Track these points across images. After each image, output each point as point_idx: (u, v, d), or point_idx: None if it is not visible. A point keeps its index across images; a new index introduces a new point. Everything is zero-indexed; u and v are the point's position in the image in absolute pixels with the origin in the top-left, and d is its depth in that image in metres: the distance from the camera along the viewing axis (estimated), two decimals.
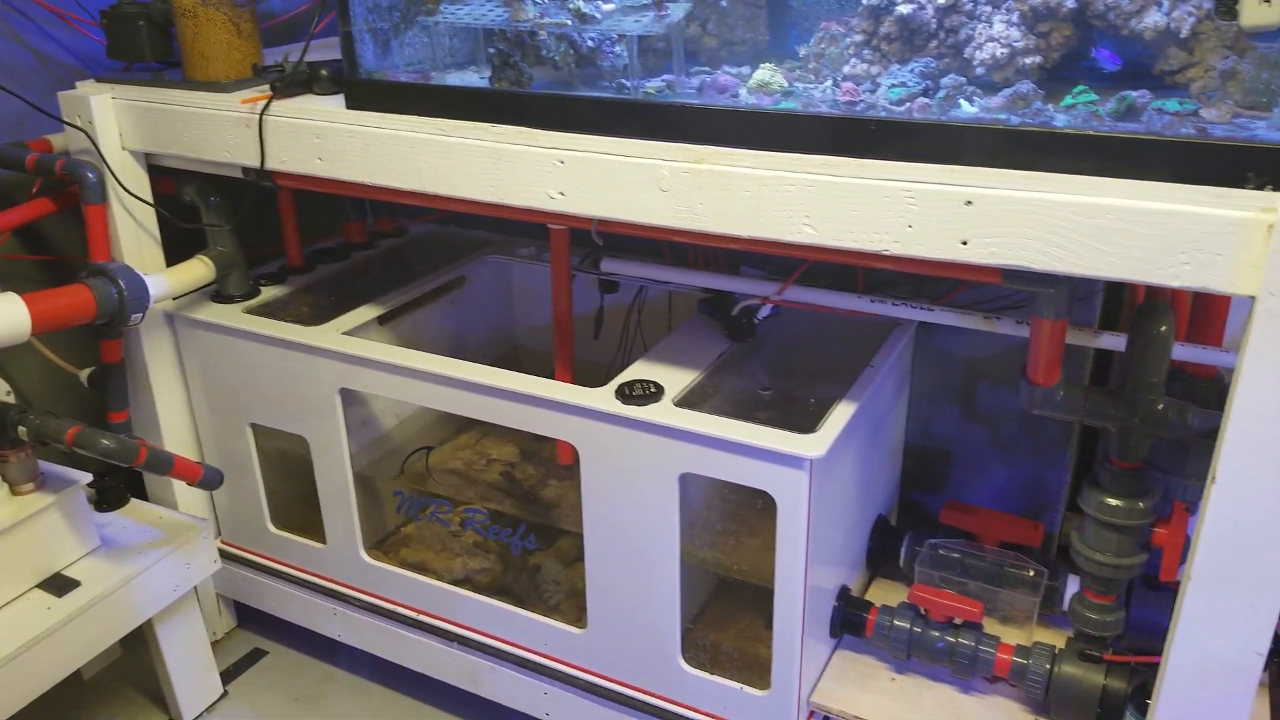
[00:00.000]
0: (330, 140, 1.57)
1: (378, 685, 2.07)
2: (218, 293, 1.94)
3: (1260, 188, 1.04)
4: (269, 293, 2.00)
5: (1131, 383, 1.37)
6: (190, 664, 1.96)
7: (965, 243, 1.18)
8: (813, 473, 1.41)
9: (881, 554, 1.84)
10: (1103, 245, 1.10)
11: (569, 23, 1.36)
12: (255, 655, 2.16)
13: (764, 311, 1.71)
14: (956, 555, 1.77)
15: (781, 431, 1.43)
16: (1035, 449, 1.88)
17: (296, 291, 2.03)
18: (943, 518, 1.83)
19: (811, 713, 1.64)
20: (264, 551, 2.06)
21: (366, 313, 1.92)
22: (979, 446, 1.95)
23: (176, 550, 1.84)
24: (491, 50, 1.45)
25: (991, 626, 1.71)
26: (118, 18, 1.80)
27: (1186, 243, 1.06)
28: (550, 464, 2.03)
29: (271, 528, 2.03)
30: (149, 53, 1.81)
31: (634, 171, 1.35)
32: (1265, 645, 1.15)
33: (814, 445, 1.41)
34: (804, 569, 1.47)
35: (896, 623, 1.63)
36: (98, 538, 1.81)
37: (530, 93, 1.43)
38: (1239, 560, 1.13)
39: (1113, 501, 1.44)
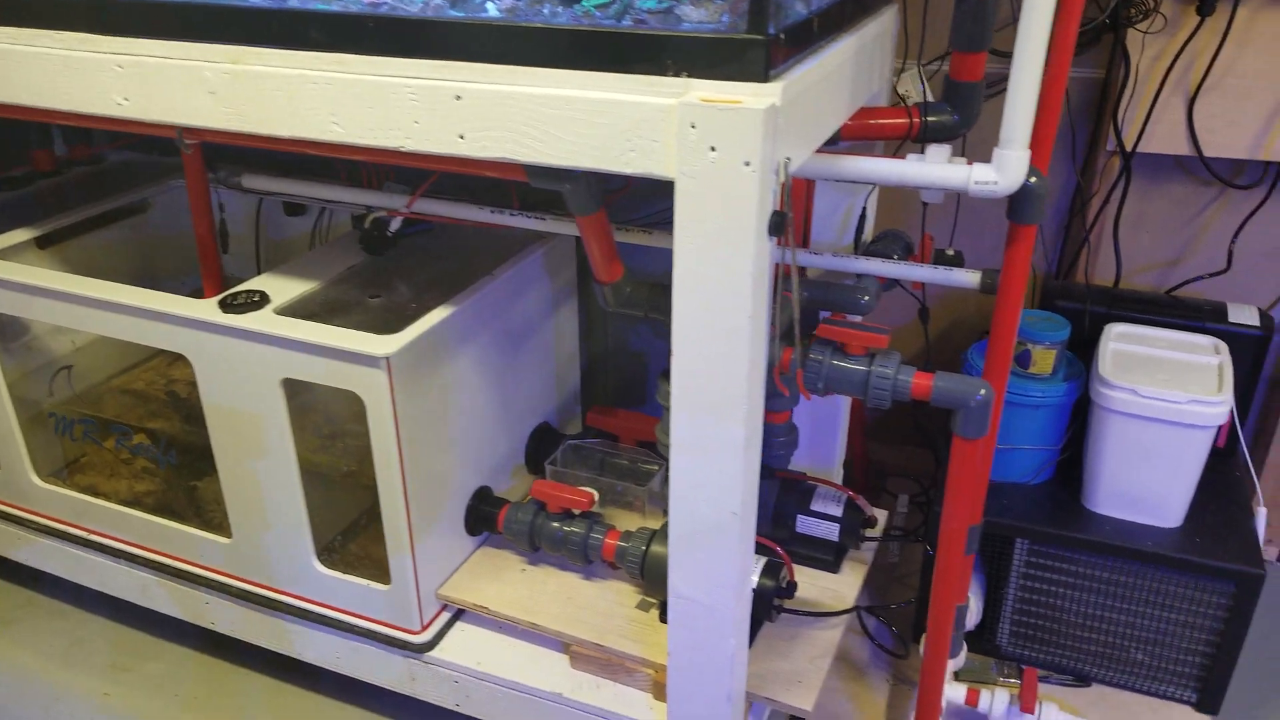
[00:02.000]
0: None
1: (73, 608, 2.09)
2: None
3: (678, 74, 1.10)
4: None
5: None
6: None
7: (462, 137, 1.23)
8: (392, 372, 1.47)
9: (540, 457, 1.92)
10: (566, 135, 1.16)
11: None
12: None
13: (394, 224, 1.75)
14: (599, 453, 1.86)
15: (360, 333, 1.48)
16: None
17: None
18: (588, 420, 1.92)
19: (444, 606, 1.72)
20: None
21: (21, 235, 1.90)
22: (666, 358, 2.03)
23: None
24: None
25: (624, 518, 1.81)
26: None
27: (628, 130, 1.12)
28: None
29: None
30: None
31: (181, 74, 1.36)
32: (738, 506, 1.24)
33: (389, 345, 1.46)
34: (399, 466, 1.53)
35: (520, 516, 1.71)
36: None
37: None
38: (703, 430, 1.22)
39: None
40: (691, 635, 1.38)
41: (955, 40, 1.45)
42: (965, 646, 1.77)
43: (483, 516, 1.75)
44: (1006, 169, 1.26)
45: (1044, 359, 1.75)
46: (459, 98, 1.21)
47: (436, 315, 1.55)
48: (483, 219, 1.71)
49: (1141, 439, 1.65)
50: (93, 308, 1.65)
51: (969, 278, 1.49)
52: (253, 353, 1.55)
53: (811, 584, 1.73)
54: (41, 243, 1.95)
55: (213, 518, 1.87)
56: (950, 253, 1.67)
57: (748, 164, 1.05)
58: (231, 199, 2.13)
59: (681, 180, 1.09)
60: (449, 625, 1.72)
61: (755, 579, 1.57)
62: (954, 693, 1.70)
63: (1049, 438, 1.79)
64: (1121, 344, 1.76)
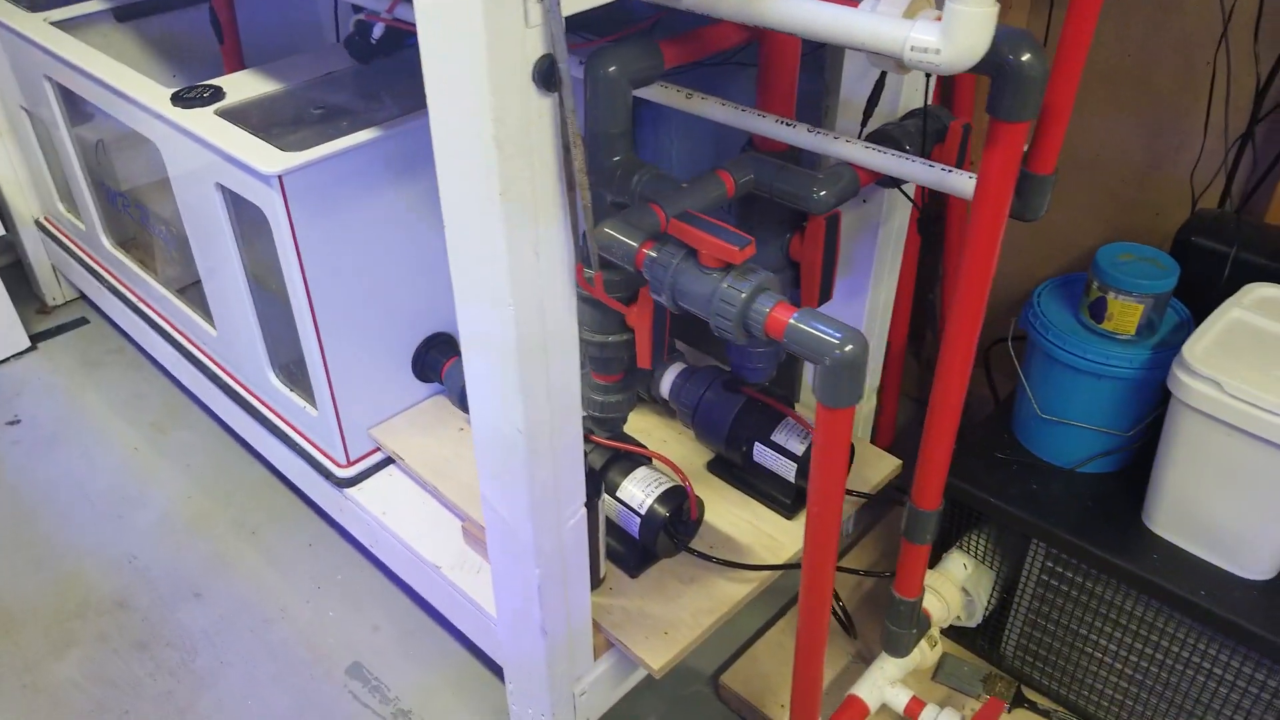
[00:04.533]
0: None
1: (148, 362, 2.26)
2: None
3: None
4: None
5: (589, 135, 1.16)
6: None
7: None
8: (285, 190, 1.34)
9: None
10: None
11: None
12: (79, 323, 2.42)
13: (376, 30, 1.57)
14: None
15: (264, 146, 1.36)
16: None
17: None
18: None
19: (377, 447, 1.64)
20: (59, 223, 2.26)
21: (96, 4, 1.94)
22: None
23: None
24: None
25: None
26: None
27: None
28: None
29: (61, 208, 2.20)
30: None
31: None
32: (522, 423, 1.01)
33: (281, 163, 1.32)
34: (304, 290, 1.42)
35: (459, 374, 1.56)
36: None
37: None
38: (478, 327, 0.99)
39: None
40: (503, 556, 1.19)
41: None
42: (936, 647, 1.42)
43: (430, 364, 1.63)
44: (958, 31, 0.84)
45: (1125, 314, 1.27)
46: None
47: (355, 139, 1.38)
48: None
49: (1226, 453, 1.17)
50: (93, 83, 1.65)
51: (969, 185, 1.07)
52: (191, 151, 1.48)
53: (754, 526, 1.45)
54: (120, 15, 1.99)
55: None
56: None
57: None
58: None
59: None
60: (379, 467, 1.64)
61: (647, 502, 1.33)
62: (894, 697, 1.38)
63: (1115, 419, 1.33)
64: (1254, 314, 1.23)
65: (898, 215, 1.47)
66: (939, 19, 0.86)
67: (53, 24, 1.85)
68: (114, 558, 1.78)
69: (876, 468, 1.57)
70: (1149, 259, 1.28)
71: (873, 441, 1.71)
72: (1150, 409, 1.31)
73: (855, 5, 0.94)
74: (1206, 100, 1.41)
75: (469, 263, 0.96)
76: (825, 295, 1.31)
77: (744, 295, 0.95)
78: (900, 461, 1.57)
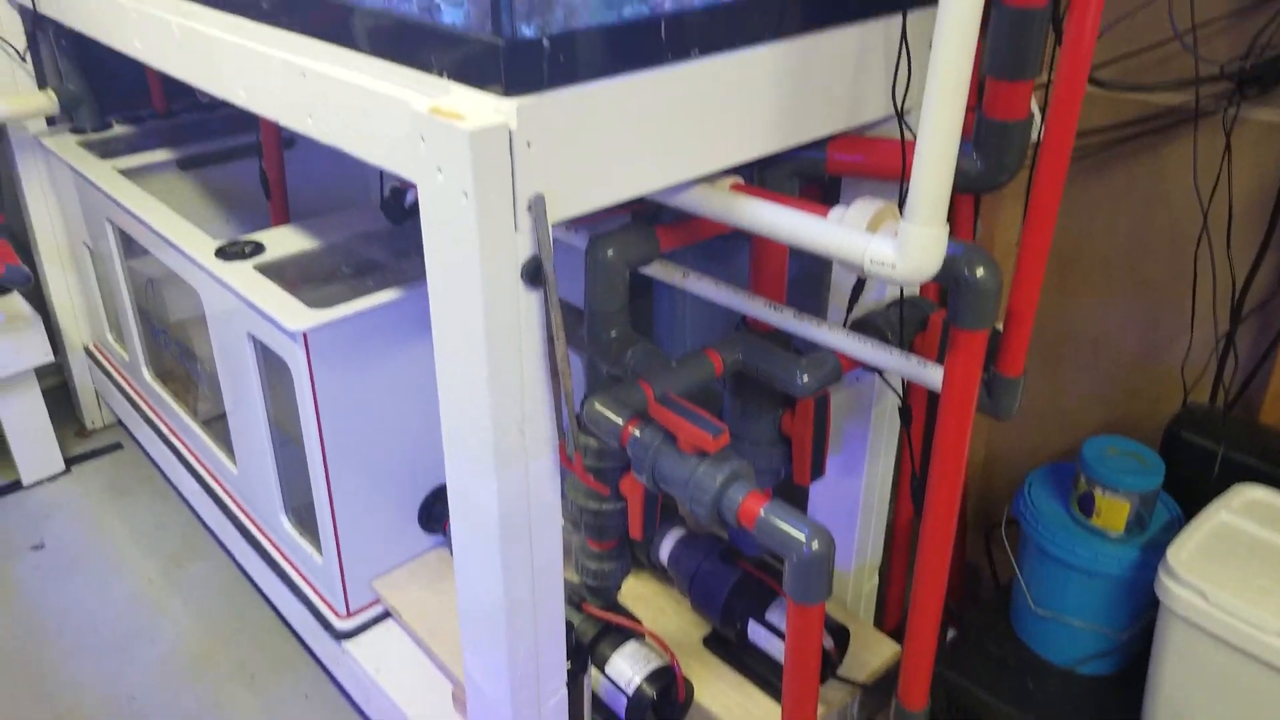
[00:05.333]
0: None
1: (174, 492, 2.32)
2: (73, 125, 2.21)
3: (440, 74, 0.90)
4: (118, 130, 2.24)
5: (588, 310, 1.22)
6: (29, 439, 2.32)
7: (310, 117, 1.12)
8: (309, 347, 1.41)
9: None
10: (363, 124, 1.01)
11: None
12: (114, 448, 2.50)
13: (409, 196, 1.68)
14: None
15: (293, 303, 1.44)
16: None
17: (142, 132, 2.25)
18: None
19: (377, 599, 1.66)
20: (106, 351, 2.38)
21: (162, 155, 2.11)
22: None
23: (4, 336, 2.17)
24: None
25: None
26: None
27: (404, 131, 0.94)
28: None
29: (109, 337, 2.33)
30: None
31: (147, 24, 1.39)
32: (500, 596, 1.04)
33: (308, 320, 1.40)
34: (318, 440, 1.48)
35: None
36: None
37: None
38: (467, 502, 1.03)
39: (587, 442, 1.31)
40: None
41: (991, 64, 1.08)
42: None
43: (437, 515, 1.66)
44: (910, 250, 0.90)
45: (1113, 510, 1.27)
46: (304, 75, 1.10)
47: (377, 299, 1.47)
48: None
49: (1214, 664, 1.15)
50: (147, 230, 1.77)
51: (939, 377, 1.11)
52: (229, 302, 1.57)
53: (745, 711, 1.43)
54: (183, 165, 2.15)
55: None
56: None
57: (465, 195, 0.84)
58: None
59: (424, 204, 0.90)
60: (378, 620, 1.66)
61: (635, 681, 1.33)
62: None
63: (1109, 618, 1.32)
64: (1241, 518, 1.23)
65: (891, 395, 1.51)
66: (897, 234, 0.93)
67: (120, 171, 2.01)
68: (113, 696, 1.79)
69: (876, 652, 1.54)
70: (1134, 454, 1.30)
71: (877, 622, 1.69)
72: (1144, 609, 1.30)
73: (825, 212, 1.01)
74: (1191, 294, 1.45)
75: (458, 435, 1.01)
76: (817, 472, 1.34)
77: (717, 483, 0.98)
78: (899, 647, 1.55)
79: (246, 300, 1.49)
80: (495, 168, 0.83)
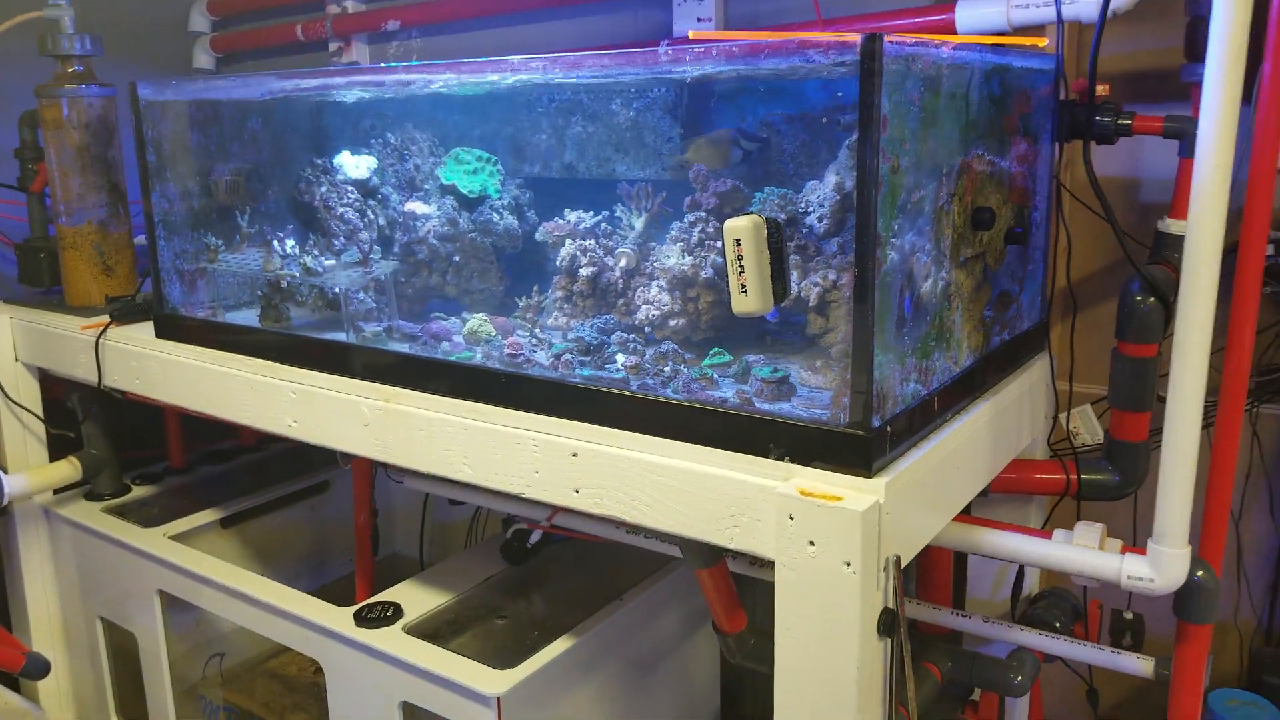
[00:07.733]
0: (142, 364, 1.77)
1: None
2: (90, 490, 2.14)
3: (780, 458, 1.07)
4: (138, 492, 2.18)
5: None
6: None
7: (578, 491, 1.23)
8: (501, 710, 1.42)
9: None
10: (672, 503, 1.14)
11: (296, 275, 1.53)
12: None
13: (534, 536, 1.77)
14: None
15: (477, 667, 1.46)
16: None
17: (165, 492, 2.20)
18: None
19: None
20: None
21: (206, 516, 2.07)
22: None
23: None
24: (259, 293, 1.63)
25: None
26: (26, 249, 2.11)
27: (733, 507, 1.09)
28: None
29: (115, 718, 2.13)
30: (48, 279, 2.10)
31: (341, 406, 1.47)
32: None
33: (501, 683, 1.42)
34: None
35: None
36: None
37: (274, 332, 1.59)
38: None
39: None
40: None
41: (1114, 398, 1.36)
42: None
43: None
44: (1163, 566, 1.12)
45: None
46: (575, 455, 1.22)
47: (556, 648, 1.51)
48: (619, 538, 1.70)
49: None
50: (240, 601, 1.73)
51: (1140, 665, 1.31)
52: (378, 670, 1.55)
53: None
54: (225, 523, 2.11)
55: None
56: (1128, 616, 1.48)
57: (848, 564, 0.98)
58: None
59: (781, 570, 1.03)
60: None
61: None
62: None
63: None
64: None
65: None
66: (1124, 550, 1.15)
67: (170, 538, 1.95)
68: None
69: None
70: (1248, 702, 1.52)
71: None
72: None
73: (1048, 534, 1.22)
74: None
75: None
76: None
77: None
78: None
79: (413, 667, 1.49)
80: (870, 539, 0.99)
